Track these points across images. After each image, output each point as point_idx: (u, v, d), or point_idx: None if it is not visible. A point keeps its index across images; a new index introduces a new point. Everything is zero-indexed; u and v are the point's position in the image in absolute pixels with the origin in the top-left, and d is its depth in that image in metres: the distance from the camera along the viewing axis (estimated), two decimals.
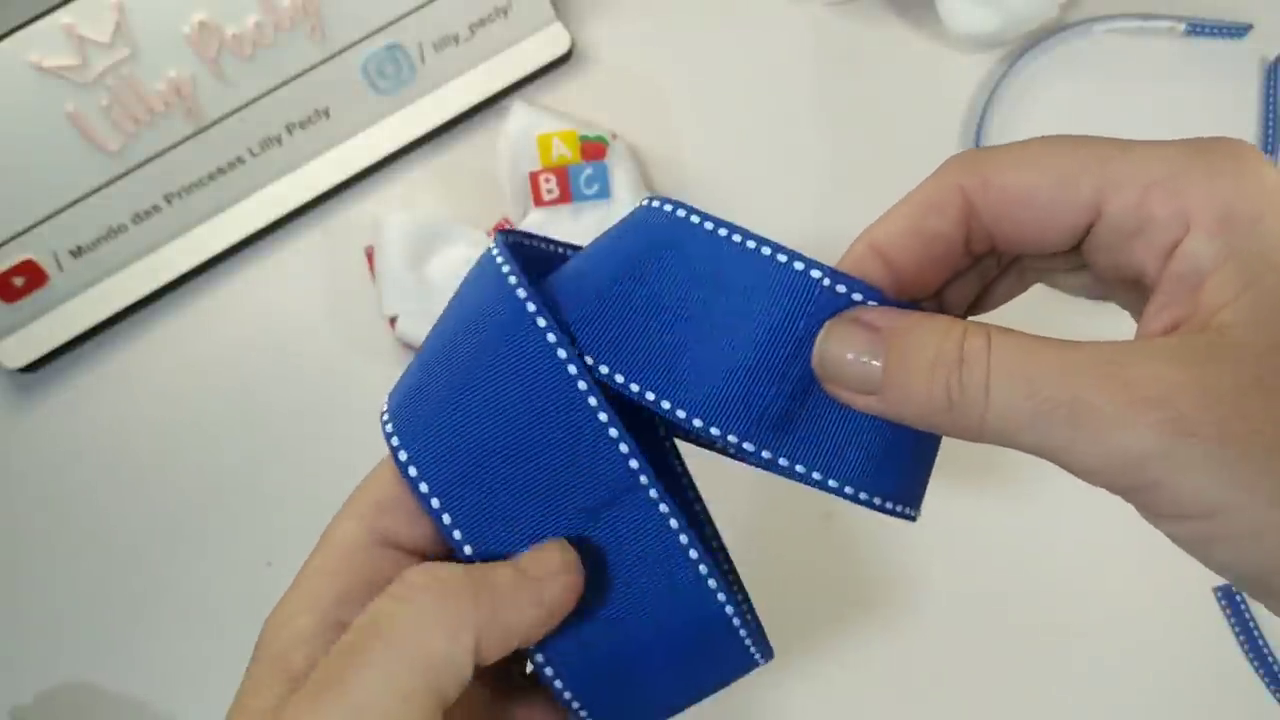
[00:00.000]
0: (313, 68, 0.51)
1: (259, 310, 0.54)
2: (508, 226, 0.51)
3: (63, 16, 0.46)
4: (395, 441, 0.25)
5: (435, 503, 0.25)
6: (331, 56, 0.51)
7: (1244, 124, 0.53)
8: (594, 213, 0.51)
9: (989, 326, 0.22)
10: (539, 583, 0.24)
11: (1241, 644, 0.48)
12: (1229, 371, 0.20)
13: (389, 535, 0.25)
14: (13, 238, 0.50)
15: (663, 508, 0.25)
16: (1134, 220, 0.22)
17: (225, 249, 0.53)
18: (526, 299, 0.25)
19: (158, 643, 0.51)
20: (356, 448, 0.55)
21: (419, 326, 0.50)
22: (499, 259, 0.26)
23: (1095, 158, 0.23)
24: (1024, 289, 0.28)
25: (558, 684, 0.26)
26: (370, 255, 0.51)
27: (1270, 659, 0.48)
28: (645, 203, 0.26)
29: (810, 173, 0.54)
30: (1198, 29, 0.53)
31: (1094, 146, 0.23)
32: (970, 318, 0.27)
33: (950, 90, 0.54)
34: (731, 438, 0.24)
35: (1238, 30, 0.53)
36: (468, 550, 0.25)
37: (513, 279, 0.25)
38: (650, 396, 0.24)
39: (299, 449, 0.52)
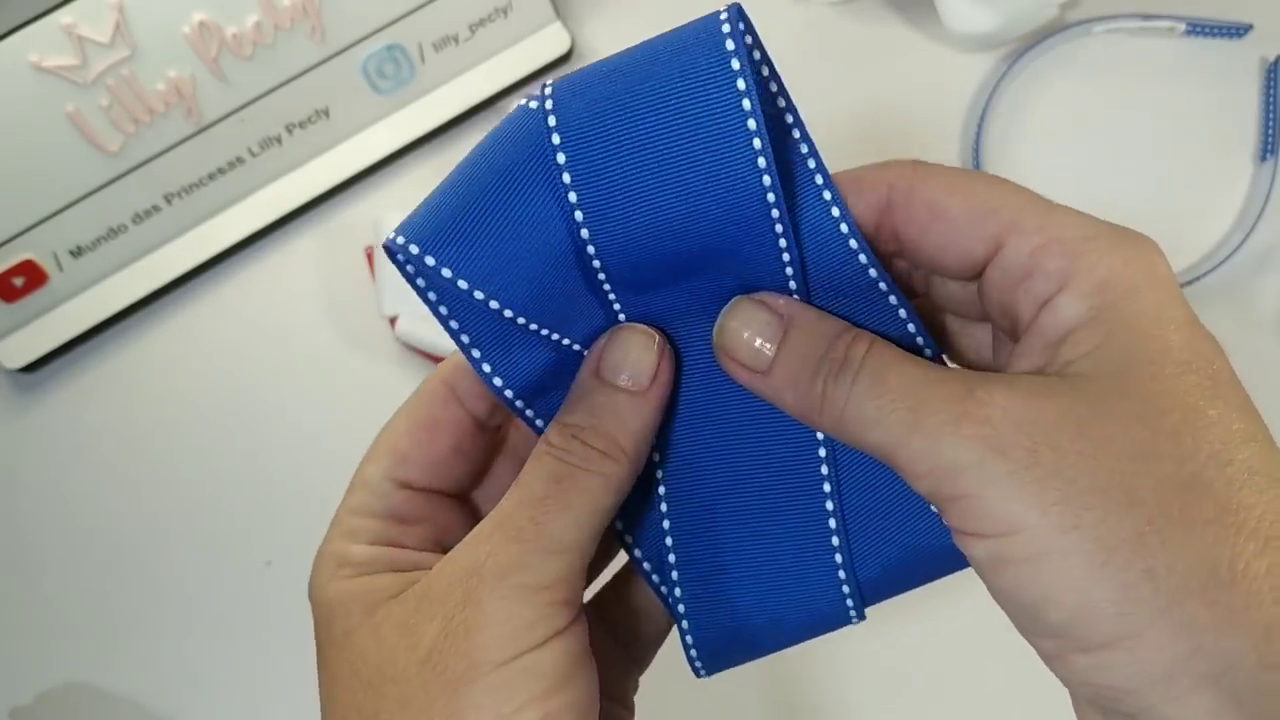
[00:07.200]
0: (313, 68, 0.51)
1: (259, 310, 0.54)
2: None
3: (63, 16, 0.46)
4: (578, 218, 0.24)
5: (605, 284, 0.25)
6: (331, 56, 0.51)
7: (1244, 124, 0.53)
8: None
9: (873, 337, 0.24)
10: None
11: None
12: (1054, 406, 0.21)
13: (407, 480, 0.28)
14: (13, 238, 0.50)
15: None
16: (1023, 265, 0.23)
17: (225, 249, 0.53)
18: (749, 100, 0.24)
19: (158, 643, 0.51)
20: (356, 447, 0.55)
21: (419, 326, 0.50)
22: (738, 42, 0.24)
23: (1014, 203, 0.24)
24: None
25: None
26: (370, 255, 0.51)
27: None
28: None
29: None
30: (1198, 29, 0.53)
31: (1021, 195, 0.24)
32: None
33: (950, 90, 0.54)
34: None
35: (1238, 30, 0.53)
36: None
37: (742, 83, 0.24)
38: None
39: (299, 449, 0.52)
